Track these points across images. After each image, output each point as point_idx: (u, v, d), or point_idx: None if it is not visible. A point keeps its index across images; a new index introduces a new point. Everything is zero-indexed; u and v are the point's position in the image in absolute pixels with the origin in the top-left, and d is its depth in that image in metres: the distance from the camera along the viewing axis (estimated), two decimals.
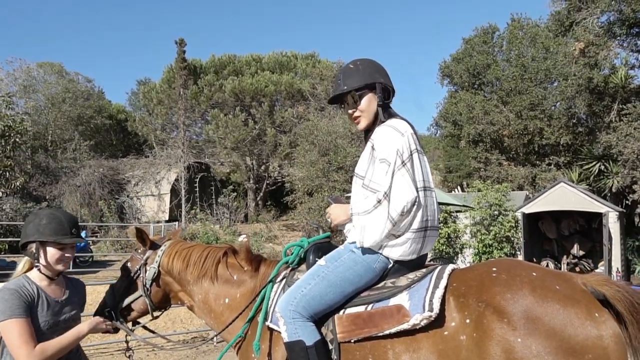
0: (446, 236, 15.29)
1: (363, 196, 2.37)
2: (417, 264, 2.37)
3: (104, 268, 16.32)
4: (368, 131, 2.48)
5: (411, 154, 2.28)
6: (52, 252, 2.42)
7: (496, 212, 15.28)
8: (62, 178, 24.83)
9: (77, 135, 29.03)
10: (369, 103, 2.45)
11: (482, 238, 15.04)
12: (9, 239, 17.80)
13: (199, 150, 28.72)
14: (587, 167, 19.35)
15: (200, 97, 27.64)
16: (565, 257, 15.90)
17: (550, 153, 22.93)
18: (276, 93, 28.29)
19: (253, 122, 26.91)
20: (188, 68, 27.42)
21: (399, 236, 2.26)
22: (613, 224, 14.68)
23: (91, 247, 18.98)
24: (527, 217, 15.33)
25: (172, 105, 27.85)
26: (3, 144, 20.64)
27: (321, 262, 2.35)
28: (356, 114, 2.48)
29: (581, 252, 15.70)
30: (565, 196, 14.95)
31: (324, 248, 2.50)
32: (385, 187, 2.22)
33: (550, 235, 16.35)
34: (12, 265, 15.78)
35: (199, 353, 6.95)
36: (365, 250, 2.29)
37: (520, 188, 21.81)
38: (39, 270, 2.43)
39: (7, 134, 20.75)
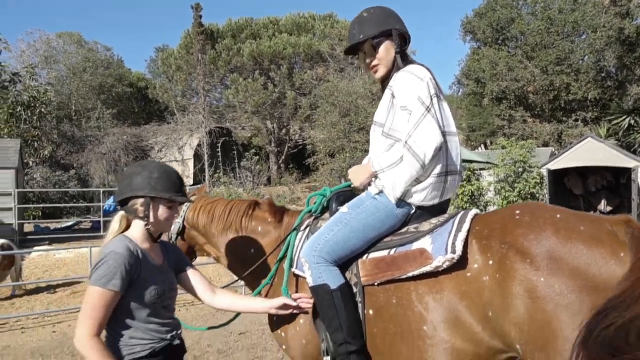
0: (469, 194, 15.18)
1: (383, 145, 2.37)
2: (439, 209, 2.38)
3: None
4: (385, 80, 2.46)
5: (431, 99, 2.26)
6: (162, 210, 2.16)
7: (520, 169, 15.06)
8: (88, 146, 25.32)
9: (99, 104, 29.40)
10: (386, 50, 2.43)
11: (506, 195, 14.89)
12: (41, 205, 18.37)
13: (219, 116, 28.83)
14: (615, 121, 18.83)
15: (219, 61, 27.53)
16: (592, 213, 15.72)
17: (577, 109, 22.35)
18: (294, 55, 27.99)
19: (272, 85, 26.79)
20: (205, 33, 27.24)
21: (421, 182, 2.27)
22: None
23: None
24: (553, 173, 15.10)
25: (191, 71, 27.84)
26: (29, 114, 21.06)
27: (343, 209, 2.39)
28: (374, 62, 2.46)
29: (608, 208, 15.47)
30: (592, 151, 14.64)
31: (346, 196, 2.53)
32: (409, 135, 2.22)
33: (577, 192, 16.12)
34: (46, 231, 16.36)
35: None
36: (387, 197, 2.31)
37: (546, 145, 21.42)
38: (148, 229, 2.16)
39: (32, 104, 21.16)
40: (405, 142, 2.23)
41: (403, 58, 2.42)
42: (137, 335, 2.07)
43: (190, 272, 2.36)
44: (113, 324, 2.06)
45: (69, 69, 30.79)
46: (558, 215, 2.02)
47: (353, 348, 2.20)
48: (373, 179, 2.42)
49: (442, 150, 2.29)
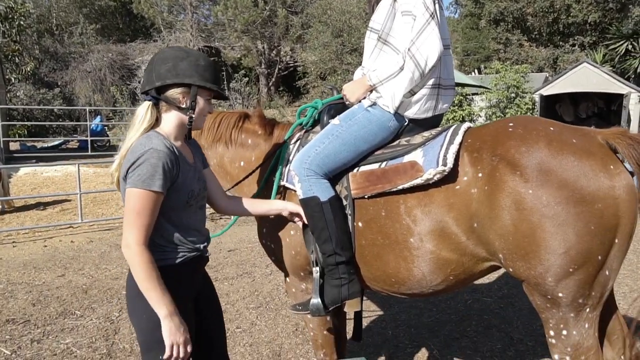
0: (460, 119, 15.14)
1: (378, 52, 2.28)
2: (432, 123, 2.35)
3: None
4: None
5: (435, 6, 2.16)
6: (204, 104, 1.93)
7: (513, 94, 14.95)
8: (72, 64, 24.53)
9: (82, 18, 28.11)
10: None
11: (503, 119, 14.86)
12: (27, 124, 18.06)
13: (208, 34, 27.78)
14: (613, 47, 18.50)
15: None
16: (585, 127, 15.80)
17: (575, 33, 21.83)
18: None
19: (263, 2, 25.64)
20: None
21: (415, 92, 2.22)
22: (634, 105, 14.34)
23: (108, 132, 19.25)
24: (545, 99, 15.02)
25: None
26: (7, 27, 20.12)
27: (335, 121, 2.34)
28: None
29: None
30: (586, 77, 14.48)
31: (337, 108, 2.47)
32: (412, 42, 2.13)
33: (567, 118, 16.13)
34: (33, 149, 16.20)
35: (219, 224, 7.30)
36: (380, 109, 2.26)
37: (540, 70, 21.12)
38: (191, 123, 1.92)
39: (10, 16, 20.14)
40: (409, 49, 2.14)
41: None
42: (173, 240, 1.90)
43: (208, 172, 2.18)
44: None
45: None
46: (551, 128, 2.00)
47: (342, 259, 2.24)
48: (368, 92, 2.36)
49: (440, 64, 2.22)
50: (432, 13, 2.13)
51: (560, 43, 21.96)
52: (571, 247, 1.83)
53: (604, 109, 16.26)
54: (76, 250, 6.22)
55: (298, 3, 25.36)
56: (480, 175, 2.00)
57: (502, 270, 2.07)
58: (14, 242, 6.59)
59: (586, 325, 1.93)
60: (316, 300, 2.29)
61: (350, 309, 2.34)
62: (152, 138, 1.84)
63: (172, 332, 1.77)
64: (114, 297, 4.58)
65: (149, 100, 1.90)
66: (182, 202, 1.90)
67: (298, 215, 2.31)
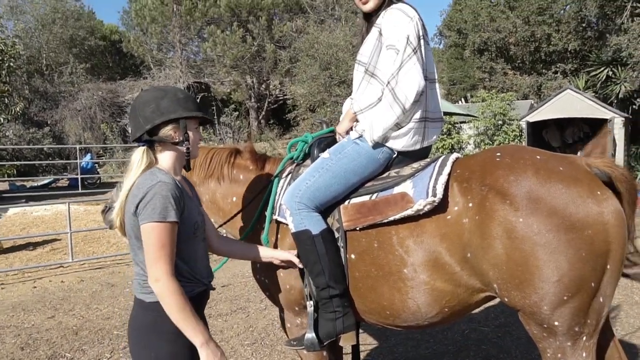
0: (449, 147, 15.29)
1: (366, 84, 2.33)
2: (421, 154, 2.38)
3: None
4: (370, 16, 2.39)
5: (419, 41, 2.21)
6: (194, 133, 1.98)
7: (500, 122, 15.16)
8: (62, 102, 24.64)
9: (71, 58, 28.36)
10: None
11: (486, 148, 15.04)
12: (16, 163, 17.96)
13: (197, 70, 28.11)
14: (594, 73, 18.90)
15: (195, 12, 26.57)
16: (571, 155, 15.99)
17: (557, 60, 22.34)
18: (274, 6, 27.16)
19: (251, 38, 26.08)
20: None
21: (402, 126, 2.25)
22: (618, 129, 14.60)
23: (98, 169, 19.18)
24: (532, 125, 15.24)
25: (166, 23, 26.86)
26: None
27: (325, 154, 2.37)
28: None
29: None
30: (570, 103, 14.76)
31: (328, 142, 2.50)
32: (392, 76, 2.18)
33: (554, 144, 16.35)
34: (22, 189, 16.07)
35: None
36: (376, 141, 2.29)
37: (525, 97, 21.50)
38: (188, 154, 1.95)
39: (0, 58, 20.25)
40: (388, 82, 2.19)
41: None
42: (183, 274, 1.90)
43: (202, 211, 2.18)
44: None
45: (37, 20, 29.41)
46: (538, 157, 2.04)
47: (335, 292, 2.22)
48: (355, 123, 2.40)
49: (423, 96, 2.26)
50: (415, 48, 2.18)
51: (543, 70, 22.44)
52: (564, 274, 1.84)
53: (589, 134, 16.53)
54: (66, 290, 6.11)
55: (286, 38, 25.80)
56: (470, 205, 2.02)
57: (498, 299, 2.07)
58: (2, 284, 6.47)
59: (584, 354, 1.92)
60: (311, 335, 2.27)
61: (345, 342, 2.32)
62: (155, 173, 1.88)
63: (210, 358, 1.78)
64: (105, 337, 4.48)
65: (142, 145, 1.93)
66: (189, 234, 1.93)
67: (290, 262, 2.30)
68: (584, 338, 1.91)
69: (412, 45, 2.18)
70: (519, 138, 15.07)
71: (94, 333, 4.60)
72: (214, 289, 2.11)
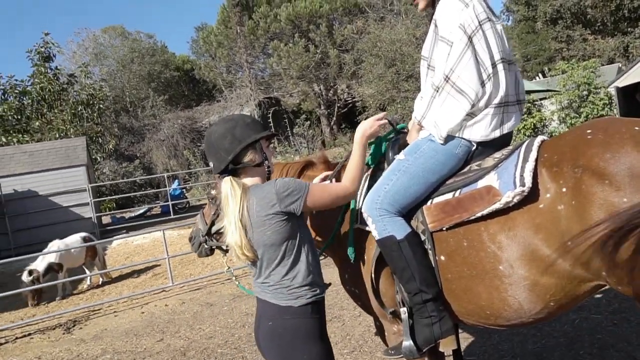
0: (532, 127, 14.48)
1: (428, 79, 2.25)
2: (501, 143, 2.24)
3: (200, 211, 17.38)
4: (432, 9, 2.31)
5: (480, 26, 2.09)
6: (267, 150, 2.17)
7: (585, 92, 14.14)
8: (147, 135, 26.31)
9: (151, 92, 30.28)
10: None
11: (573, 122, 14.07)
12: (114, 197, 19.39)
13: (266, 86, 28.93)
14: None
15: (258, 31, 27.41)
16: None
17: None
18: (332, 11, 27.36)
19: (314, 46, 26.42)
20: (240, 4, 27.12)
21: (476, 115, 2.14)
22: None
23: (186, 194, 20.23)
24: (622, 91, 14.08)
25: (232, 46, 27.94)
26: (90, 112, 22.02)
27: (400, 156, 2.30)
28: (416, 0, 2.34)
29: None
30: None
31: (401, 143, 2.44)
32: (451, 70, 2.08)
33: None
34: (122, 220, 17.29)
35: None
36: (446, 138, 2.19)
37: (611, 62, 19.92)
38: (269, 170, 2.15)
39: (91, 102, 22.07)
40: (448, 77, 2.09)
41: None
42: (316, 278, 2.08)
43: None
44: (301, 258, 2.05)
45: (118, 62, 31.78)
46: (637, 128, 1.84)
47: (428, 296, 2.14)
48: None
49: (502, 80, 2.13)
50: (470, 36, 2.08)
51: (629, 29, 20.68)
52: None
53: None
54: (171, 313, 6.46)
55: (347, 41, 25.83)
56: (564, 189, 1.87)
57: None
58: (115, 311, 6.96)
59: None
60: (408, 343, 2.20)
61: (445, 347, 2.22)
62: (258, 185, 2.06)
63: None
64: (210, 356, 4.67)
65: (226, 175, 2.07)
66: (310, 236, 2.13)
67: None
68: None
69: (467, 33, 2.07)
70: (608, 107, 13.97)
71: (200, 353, 4.81)
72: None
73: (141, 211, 18.44)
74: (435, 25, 2.20)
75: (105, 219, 17.99)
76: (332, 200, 2.13)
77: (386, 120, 2.42)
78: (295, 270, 2.03)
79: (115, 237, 12.37)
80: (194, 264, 9.42)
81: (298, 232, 2.06)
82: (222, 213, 2.09)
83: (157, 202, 20.10)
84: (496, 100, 2.15)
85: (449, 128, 2.14)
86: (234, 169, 2.07)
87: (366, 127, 2.25)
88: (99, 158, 22.33)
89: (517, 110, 2.27)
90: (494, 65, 2.12)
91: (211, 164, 2.11)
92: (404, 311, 2.23)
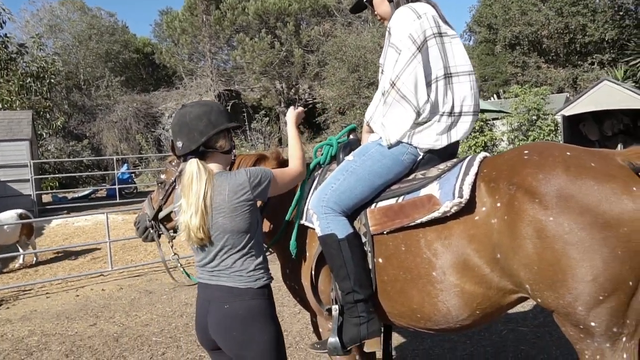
0: (482, 145, 15.00)
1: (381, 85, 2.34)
2: (448, 154, 2.34)
3: None
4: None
5: (428, 39, 2.19)
6: (234, 141, 2.27)
7: (534, 117, 14.80)
8: (99, 115, 25.44)
9: (107, 71, 29.29)
10: (380, 2, 2.44)
11: (521, 144, 14.69)
12: (57, 176, 18.64)
13: (228, 78, 28.58)
14: (633, 63, 18.26)
15: (224, 22, 27.05)
16: (604, 149, 15.47)
17: (593, 51, 21.67)
18: (300, 11, 27.38)
19: (279, 43, 26.34)
20: None
21: (424, 123, 2.23)
22: None
23: (134, 179, 19.70)
24: (568, 119, 14.80)
25: (196, 34, 27.44)
26: (39, 85, 21.05)
27: (349, 157, 2.37)
28: (378, 16, 2.47)
29: None
30: (609, 95, 14.26)
31: (353, 145, 2.50)
32: (397, 76, 2.17)
33: (592, 137, 15.84)
34: (64, 200, 16.66)
35: None
36: (394, 144, 2.27)
37: (561, 91, 20.95)
38: (234, 158, 2.30)
39: (41, 75, 21.09)
40: (394, 83, 2.18)
41: None
42: (265, 263, 2.17)
43: None
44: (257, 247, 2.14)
45: (75, 37, 30.53)
46: (568, 153, 1.97)
47: (360, 297, 2.20)
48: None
49: (443, 93, 2.24)
50: (420, 46, 2.17)
51: (579, 62, 21.80)
52: (599, 274, 1.77)
53: (630, 126, 15.94)
54: (107, 298, 6.30)
55: (313, 42, 25.93)
56: (498, 204, 1.98)
57: None
58: (47, 293, 6.71)
59: (624, 356, 1.85)
60: (334, 339, 2.25)
61: (369, 348, 2.27)
62: (227, 172, 2.13)
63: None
64: (144, 344, 4.59)
65: (193, 157, 2.10)
66: (260, 222, 2.21)
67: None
68: (624, 339, 1.84)
69: (416, 43, 2.17)
70: (554, 133, 14.67)
71: (134, 340, 4.72)
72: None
73: (86, 192, 17.81)
74: (389, 33, 2.28)
75: (47, 198, 17.26)
76: (290, 182, 2.31)
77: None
78: (254, 254, 2.11)
79: (54, 217, 11.89)
80: (137, 250, 9.21)
81: (258, 219, 2.15)
82: (180, 192, 2.10)
83: (104, 184, 19.45)
84: (443, 109, 2.25)
85: (396, 133, 2.23)
86: (203, 151, 2.11)
87: (294, 114, 2.54)
88: (44, 134, 21.38)
89: (467, 120, 2.34)
90: (437, 78, 2.23)
91: (179, 144, 2.11)
92: (335, 308, 2.29)
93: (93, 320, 5.42)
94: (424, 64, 2.18)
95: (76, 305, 6.03)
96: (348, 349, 2.26)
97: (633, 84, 17.14)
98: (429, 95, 2.20)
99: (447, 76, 2.25)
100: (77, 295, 6.51)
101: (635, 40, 19.32)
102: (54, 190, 18.35)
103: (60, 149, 21.16)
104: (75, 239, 10.60)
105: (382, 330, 2.29)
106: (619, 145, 15.08)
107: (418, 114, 2.19)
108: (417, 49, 2.16)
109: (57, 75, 22.89)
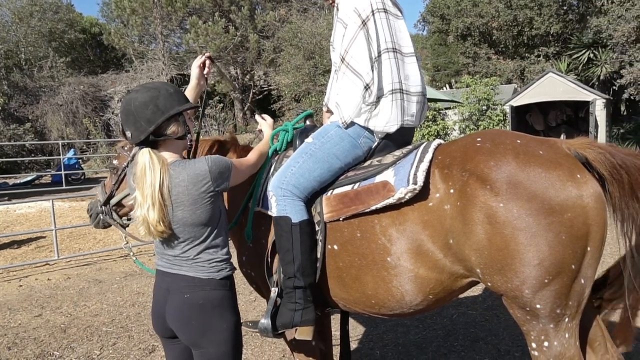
0: (435, 134, 15.36)
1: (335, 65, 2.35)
2: (403, 141, 2.38)
3: (97, 184, 16.39)
4: None
5: (373, 13, 2.21)
6: (190, 123, 2.10)
7: (484, 107, 15.26)
8: (43, 97, 24.19)
9: (51, 52, 27.84)
10: None
11: (471, 134, 15.13)
12: None
13: (180, 62, 27.76)
14: (576, 56, 19.07)
15: (176, 3, 26.20)
16: (552, 138, 16.16)
17: (539, 44, 22.46)
18: None
19: (234, 28, 25.80)
20: None
21: (374, 103, 2.25)
22: (600, 111, 14.76)
23: (82, 165, 18.96)
24: (516, 110, 15.35)
25: (147, 15, 26.46)
26: None
27: (308, 140, 2.36)
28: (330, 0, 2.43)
29: None
30: (553, 86, 14.88)
31: (309, 130, 2.50)
32: (345, 51, 2.18)
33: (538, 127, 16.50)
34: (4, 186, 15.84)
35: None
36: (351, 125, 2.28)
37: (509, 82, 21.65)
38: (191, 144, 2.10)
39: None
40: (343, 58, 2.19)
41: None
42: (228, 255, 2.11)
43: None
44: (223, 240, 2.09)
45: (14, 13, 28.72)
46: (518, 141, 2.04)
47: (300, 284, 2.21)
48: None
49: (390, 68, 2.25)
50: (365, 20, 2.19)
51: (526, 55, 22.56)
52: (544, 258, 1.85)
53: (572, 117, 16.70)
54: (53, 288, 6.06)
55: (269, 28, 25.59)
56: (452, 191, 2.03)
57: None
58: None
59: (567, 335, 1.95)
60: (266, 321, 2.26)
61: (301, 336, 2.28)
62: (183, 161, 2.02)
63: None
64: (94, 334, 4.46)
65: (144, 147, 1.97)
66: (225, 212, 2.15)
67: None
68: (566, 320, 1.94)
69: (361, 17, 2.18)
70: (503, 123, 15.18)
71: (83, 330, 4.57)
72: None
73: (29, 178, 16.96)
74: (337, 9, 2.29)
75: None
76: (246, 171, 2.29)
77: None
78: (217, 245, 2.05)
79: None
80: (85, 238, 8.89)
81: (220, 209, 2.08)
82: (132, 185, 2.01)
83: (49, 170, 18.58)
84: (390, 87, 2.26)
85: (350, 110, 2.23)
86: (154, 140, 1.98)
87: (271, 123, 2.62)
88: None
89: (418, 101, 2.38)
90: (379, 53, 2.24)
91: (128, 134, 2.00)
92: (274, 290, 2.30)
93: (38, 311, 5.21)
94: (370, 37, 2.19)
95: (19, 296, 5.77)
96: (279, 332, 2.27)
97: (575, 77, 17.92)
98: (375, 69, 2.21)
99: (393, 51, 2.26)
100: (20, 286, 6.24)
101: (577, 34, 20.16)
102: None
103: None
104: (18, 227, 10.11)
105: (316, 320, 2.28)
106: (562, 135, 15.77)
107: (367, 88, 2.19)
108: (362, 22, 2.17)
109: None
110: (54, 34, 29.86)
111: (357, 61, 2.16)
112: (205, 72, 2.56)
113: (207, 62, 2.56)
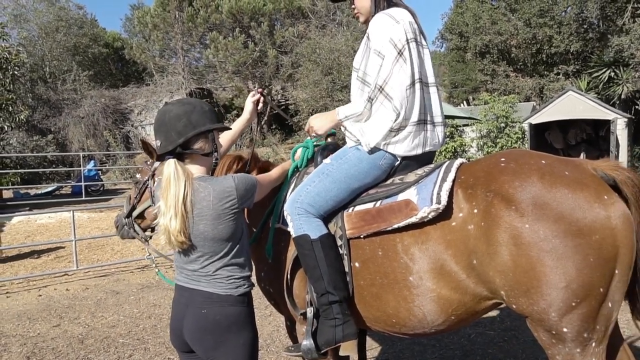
0: (452, 150, 15.27)
1: (361, 91, 2.34)
2: (425, 160, 2.37)
3: (115, 196, 16.62)
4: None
5: (407, 44, 2.21)
6: (217, 142, 2.15)
7: (503, 124, 15.14)
8: (65, 110, 24.70)
9: (75, 65, 28.46)
10: None
11: (489, 151, 15.01)
12: (19, 171, 18.02)
13: (199, 76, 28.16)
14: (596, 74, 18.84)
15: (197, 19, 26.66)
16: (576, 158, 15.91)
17: (558, 62, 22.29)
18: (275, 12, 27.24)
19: (253, 43, 26.13)
20: None
21: (400, 131, 2.25)
22: (621, 130, 14.55)
23: (101, 176, 19.23)
24: (534, 127, 15.20)
25: (168, 30, 26.97)
26: (1, 76, 20.28)
27: (327, 160, 2.38)
28: (355, 10, 2.43)
29: None
30: (573, 105, 14.72)
31: (331, 148, 2.51)
32: (384, 81, 2.19)
33: (557, 146, 16.29)
34: (26, 197, 16.13)
35: None
36: (372, 149, 2.28)
37: (528, 99, 21.49)
38: (216, 162, 2.14)
39: (4, 66, 20.31)
40: (381, 88, 2.19)
41: (389, 1, 2.35)
42: (250, 265, 2.16)
43: None
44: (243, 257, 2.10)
45: (41, 28, 29.53)
46: (543, 161, 2.02)
47: (335, 298, 2.20)
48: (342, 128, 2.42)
49: (416, 98, 2.26)
50: (401, 50, 2.19)
51: (545, 72, 22.40)
52: (572, 280, 1.82)
53: (592, 135, 16.48)
54: (71, 298, 6.12)
55: (287, 43, 25.83)
56: (475, 211, 2.01)
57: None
58: (7, 292, 6.48)
59: None
60: (308, 342, 2.25)
61: (345, 352, 2.27)
62: (209, 178, 2.05)
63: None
64: (111, 346, 4.48)
65: (171, 158, 2.00)
66: (246, 229, 2.17)
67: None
68: (593, 344, 1.90)
69: (397, 47, 2.19)
70: (521, 140, 15.04)
71: (100, 342, 4.60)
72: None
73: (50, 189, 17.26)
74: (368, 39, 2.30)
75: (7, 194, 16.67)
76: (267, 187, 2.37)
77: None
78: (237, 262, 2.06)
79: (16, 214, 11.49)
80: (103, 249, 8.98)
81: (242, 227, 2.09)
82: (158, 195, 2.04)
83: (69, 181, 18.89)
84: (417, 118, 2.26)
85: (376, 137, 2.23)
86: (181, 152, 2.03)
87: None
88: (6, 127, 20.61)
89: (439, 131, 2.40)
90: (412, 83, 2.25)
91: (157, 143, 2.05)
92: (310, 310, 2.29)
93: (56, 321, 5.26)
94: (405, 69, 2.20)
95: (38, 306, 5.84)
96: (323, 351, 2.25)
97: (595, 95, 17.71)
98: (407, 98, 2.22)
99: (420, 81, 2.28)
100: (40, 295, 6.31)
101: (597, 53, 19.97)
102: (16, 186, 17.73)
103: (23, 143, 20.41)
104: (38, 237, 10.27)
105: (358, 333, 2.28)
106: (582, 154, 15.58)
107: (397, 115, 2.20)
108: (399, 52, 2.18)
109: (22, 67, 22.10)
110: (78, 48, 30.57)
111: (396, 92, 2.18)
112: (259, 107, 2.71)
113: (261, 98, 2.72)
